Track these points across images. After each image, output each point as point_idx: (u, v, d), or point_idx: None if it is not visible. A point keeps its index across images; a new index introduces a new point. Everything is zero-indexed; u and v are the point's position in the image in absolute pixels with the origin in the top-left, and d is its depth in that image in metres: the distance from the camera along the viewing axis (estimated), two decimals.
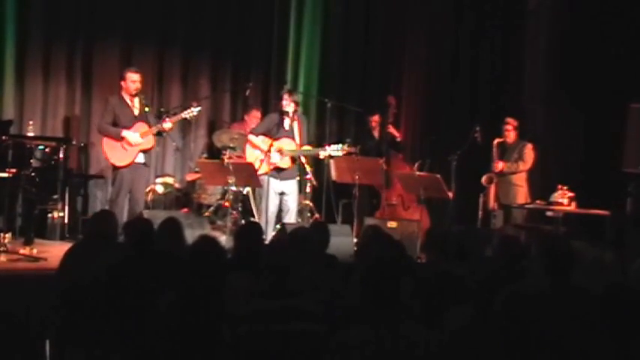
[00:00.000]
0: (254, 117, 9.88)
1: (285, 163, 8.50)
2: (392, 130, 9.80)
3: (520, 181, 9.06)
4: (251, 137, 8.66)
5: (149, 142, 8.39)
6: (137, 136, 8.24)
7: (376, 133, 10.02)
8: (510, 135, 9.13)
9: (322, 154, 8.53)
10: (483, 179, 9.12)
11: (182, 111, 8.65)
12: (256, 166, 8.34)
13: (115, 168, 8.26)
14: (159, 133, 8.46)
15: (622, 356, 3.05)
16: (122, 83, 8.35)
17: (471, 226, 8.99)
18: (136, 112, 8.36)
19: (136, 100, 8.37)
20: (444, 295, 3.50)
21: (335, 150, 8.48)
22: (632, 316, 3.12)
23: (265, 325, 2.87)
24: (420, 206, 9.11)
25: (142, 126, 8.32)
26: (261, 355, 2.28)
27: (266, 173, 8.37)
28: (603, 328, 3.11)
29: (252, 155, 8.59)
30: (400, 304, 3.04)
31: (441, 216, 9.46)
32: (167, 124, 8.41)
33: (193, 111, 8.60)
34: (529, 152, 9.04)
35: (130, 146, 8.23)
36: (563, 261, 4.07)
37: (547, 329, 2.94)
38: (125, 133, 8.20)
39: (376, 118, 9.98)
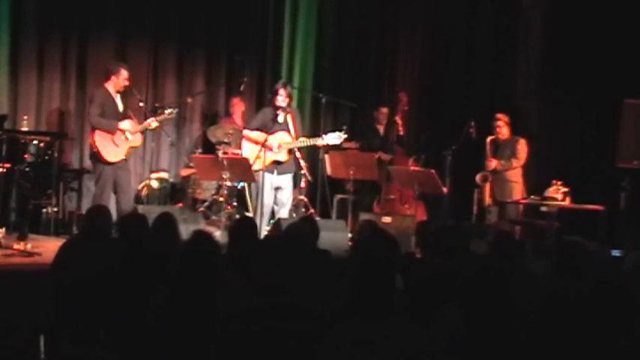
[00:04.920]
0: (236, 105, 9.99)
1: (282, 156, 8.48)
2: (400, 125, 9.78)
3: (516, 177, 9.04)
4: (246, 132, 8.65)
5: (138, 139, 8.43)
6: (130, 125, 8.25)
7: (381, 128, 10.01)
8: (502, 131, 9.09)
9: (320, 142, 8.50)
10: (478, 178, 9.08)
11: (164, 111, 8.65)
12: (255, 163, 8.32)
13: (100, 163, 8.21)
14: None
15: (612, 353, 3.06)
16: (113, 77, 8.30)
17: (466, 222, 9.01)
18: (121, 108, 8.36)
19: (118, 96, 8.36)
20: (438, 292, 3.50)
21: (332, 138, 8.47)
22: (622, 313, 3.13)
23: (258, 323, 2.87)
24: (417, 202, 9.09)
25: (130, 123, 8.31)
26: (253, 352, 2.28)
27: (264, 169, 8.33)
28: (594, 325, 3.11)
29: (249, 151, 8.55)
30: (394, 301, 3.03)
31: (436, 211, 9.47)
32: (154, 123, 8.44)
33: (173, 112, 8.68)
34: (522, 148, 9.01)
35: (125, 141, 8.22)
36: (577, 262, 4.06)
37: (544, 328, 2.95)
38: (122, 124, 8.18)
39: (385, 110, 9.97)
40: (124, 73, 8.35)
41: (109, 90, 8.31)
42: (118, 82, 8.30)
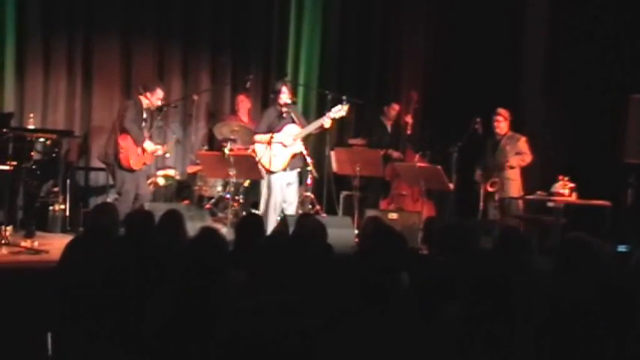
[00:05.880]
0: (242, 102, 10.00)
1: (298, 147, 8.53)
2: (410, 124, 9.79)
3: (514, 175, 8.96)
4: (258, 137, 8.61)
5: (151, 157, 8.67)
6: (152, 147, 8.48)
7: (389, 123, 10.02)
8: (501, 126, 8.99)
9: (326, 121, 8.49)
10: (489, 187, 8.94)
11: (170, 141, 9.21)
12: (274, 164, 8.40)
13: (123, 170, 8.32)
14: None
15: (618, 351, 3.06)
16: (148, 94, 8.45)
17: (472, 218, 8.98)
18: (143, 124, 8.51)
19: (144, 113, 8.51)
20: (444, 289, 3.50)
21: (337, 112, 8.48)
22: (626, 312, 3.13)
23: (262, 320, 2.87)
24: (426, 198, 9.09)
25: (150, 144, 8.52)
26: (256, 351, 2.29)
27: (286, 167, 8.41)
28: (600, 322, 3.11)
29: (264, 154, 8.55)
30: (399, 298, 3.04)
31: (442, 208, 9.47)
32: (160, 151, 8.71)
33: (177, 139, 9.36)
34: (524, 145, 8.90)
35: (145, 153, 8.36)
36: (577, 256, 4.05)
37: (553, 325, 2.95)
38: (146, 144, 8.38)
39: (397, 106, 10.00)
40: (159, 93, 8.56)
41: (143, 104, 8.47)
42: (151, 100, 8.47)
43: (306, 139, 8.73)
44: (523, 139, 8.97)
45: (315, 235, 4.92)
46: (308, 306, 2.76)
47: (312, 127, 8.58)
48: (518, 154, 8.91)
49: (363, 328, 2.91)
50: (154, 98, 8.50)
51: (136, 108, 8.43)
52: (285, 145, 8.45)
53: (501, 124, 9.00)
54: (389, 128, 10.04)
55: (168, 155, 9.06)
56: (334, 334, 2.93)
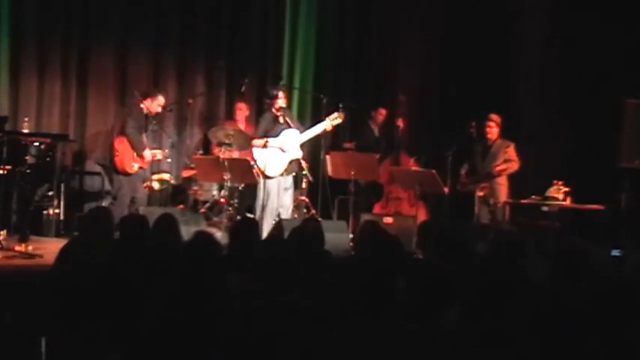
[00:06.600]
0: (240, 109, 10.00)
1: (298, 152, 8.65)
2: (401, 128, 9.83)
3: (502, 180, 8.96)
4: (256, 142, 8.65)
5: (147, 162, 8.77)
6: (150, 154, 8.61)
7: (376, 128, 10.05)
8: (492, 131, 8.99)
9: (327, 126, 8.66)
10: (479, 192, 8.95)
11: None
12: (272, 169, 8.48)
13: (119, 175, 8.36)
14: None
15: (616, 353, 3.05)
16: (149, 99, 8.56)
17: (467, 222, 8.98)
18: (143, 130, 8.56)
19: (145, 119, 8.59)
20: (439, 292, 3.49)
21: (334, 119, 8.68)
22: (627, 313, 3.12)
23: (258, 323, 2.87)
24: (423, 203, 9.10)
25: (149, 152, 8.64)
26: (253, 353, 2.29)
27: (284, 174, 8.52)
28: (597, 325, 3.11)
29: (264, 159, 8.57)
30: (396, 301, 3.03)
31: (437, 212, 9.46)
32: (159, 156, 8.85)
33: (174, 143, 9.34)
34: (513, 152, 8.91)
35: (142, 161, 8.41)
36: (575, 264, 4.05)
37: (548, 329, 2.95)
38: (146, 152, 8.51)
39: (384, 111, 10.04)
40: (160, 100, 8.71)
41: (144, 110, 8.60)
42: (151, 107, 8.56)
43: (301, 143, 8.75)
44: (512, 145, 8.96)
45: (313, 240, 4.92)
46: (305, 308, 2.78)
47: (314, 133, 8.63)
48: (507, 161, 8.89)
49: (360, 332, 2.90)
50: (155, 104, 8.60)
51: (135, 115, 8.48)
52: (283, 151, 8.49)
53: (493, 129, 9.00)
54: (376, 132, 10.07)
55: (169, 160, 9.11)
56: (331, 337, 2.92)
